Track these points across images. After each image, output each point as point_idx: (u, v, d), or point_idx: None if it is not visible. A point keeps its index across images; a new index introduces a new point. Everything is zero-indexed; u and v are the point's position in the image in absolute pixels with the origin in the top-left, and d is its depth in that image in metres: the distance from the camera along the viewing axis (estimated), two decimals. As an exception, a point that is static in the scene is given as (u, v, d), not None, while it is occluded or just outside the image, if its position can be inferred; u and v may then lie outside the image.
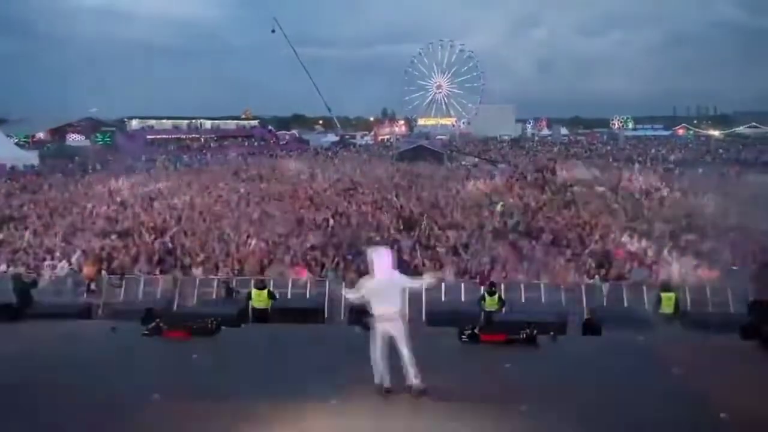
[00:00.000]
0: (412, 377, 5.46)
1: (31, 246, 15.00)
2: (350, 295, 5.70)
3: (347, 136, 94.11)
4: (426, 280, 5.95)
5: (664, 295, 9.78)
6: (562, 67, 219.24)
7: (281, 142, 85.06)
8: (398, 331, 5.46)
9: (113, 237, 16.14)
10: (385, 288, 5.49)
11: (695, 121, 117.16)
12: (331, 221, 18.66)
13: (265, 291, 10.14)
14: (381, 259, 5.57)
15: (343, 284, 5.88)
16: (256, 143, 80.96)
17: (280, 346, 7.36)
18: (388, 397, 5.52)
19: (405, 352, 5.44)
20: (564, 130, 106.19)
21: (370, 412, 5.38)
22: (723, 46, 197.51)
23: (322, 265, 13.67)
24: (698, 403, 5.60)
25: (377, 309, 5.49)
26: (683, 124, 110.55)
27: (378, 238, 16.05)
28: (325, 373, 6.22)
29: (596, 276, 12.65)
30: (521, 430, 5.12)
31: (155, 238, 16.04)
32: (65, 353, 7.05)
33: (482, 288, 10.48)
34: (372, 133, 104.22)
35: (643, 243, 15.24)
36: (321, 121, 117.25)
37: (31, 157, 46.36)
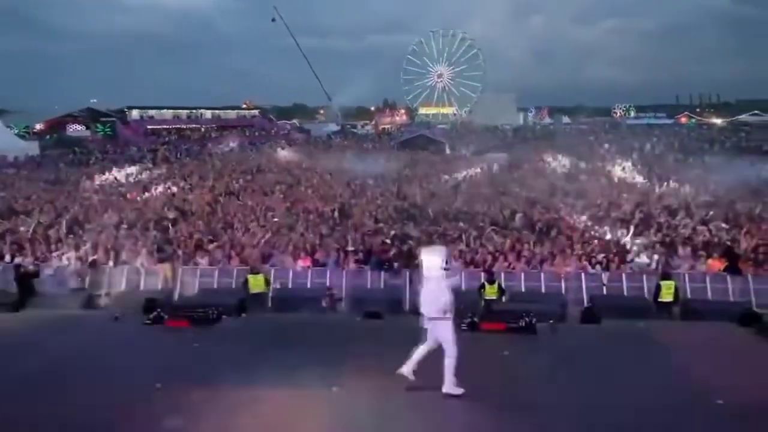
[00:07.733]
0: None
1: (37, 237, 14.97)
2: None
3: (348, 126, 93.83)
4: None
5: (663, 283, 9.80)
6: (563, 55, 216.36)
7: (282, 132, 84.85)
8: None
9: (115, 228, 16.12)
10: None
11: (698, 110, 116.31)
12: (336, 212, 18.63)
13: (261, 275, 10.34)
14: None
15: None
16: (256, 133, 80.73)
17: (280, 335, 7.41)
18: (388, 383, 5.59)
19: None
20: (566, 119, 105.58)
21: (370, 399, 5.43)
22: (722, 34, 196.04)
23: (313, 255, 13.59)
24: (696, 389, 5.65)
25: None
26: (686, 112, 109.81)
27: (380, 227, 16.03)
28: (326, 361, 6.27)
29: (597, 265, 12.63)
30: (521, 417, 5.16)
31: (156, 228, 16.03)
32: (68, 342, 7.12)
33: (482, 276, 10.50)
34: (373, 122, 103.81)
35: (644, 232, 15.18)
36: (322, 111, 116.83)
37: (32, 148, 46.42)
